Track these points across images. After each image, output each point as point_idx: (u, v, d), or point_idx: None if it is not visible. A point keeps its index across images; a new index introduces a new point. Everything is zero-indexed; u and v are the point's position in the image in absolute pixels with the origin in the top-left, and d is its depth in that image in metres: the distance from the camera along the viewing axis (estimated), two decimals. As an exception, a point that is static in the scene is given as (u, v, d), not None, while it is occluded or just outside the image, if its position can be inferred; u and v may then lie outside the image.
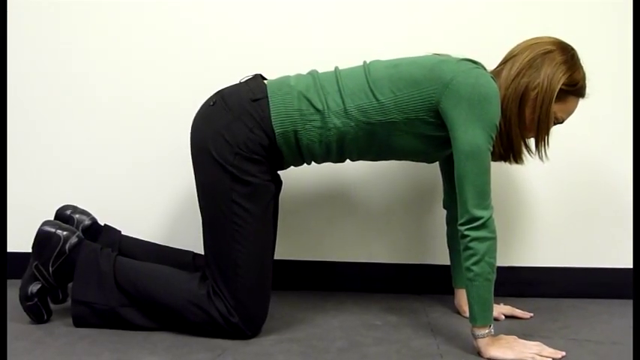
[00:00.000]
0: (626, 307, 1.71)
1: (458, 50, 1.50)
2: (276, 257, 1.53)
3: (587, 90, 1.42)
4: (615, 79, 1.76)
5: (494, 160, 1.42)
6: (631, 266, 1.79)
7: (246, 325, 1.40)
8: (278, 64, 1.71)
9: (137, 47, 1.83)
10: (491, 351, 1.30)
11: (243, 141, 1.36)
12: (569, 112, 1.42)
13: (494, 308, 1.54)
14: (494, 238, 1.30)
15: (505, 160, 1.46)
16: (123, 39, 1.83)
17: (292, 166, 1.49)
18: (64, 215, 1.61)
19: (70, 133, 1.86)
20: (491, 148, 1.31)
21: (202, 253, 1.47)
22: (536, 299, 1.77)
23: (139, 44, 1.83)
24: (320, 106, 1.37)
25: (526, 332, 1.47)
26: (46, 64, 1.84)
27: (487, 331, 1.31)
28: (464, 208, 1.30)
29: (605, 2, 1.75)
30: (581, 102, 1.43)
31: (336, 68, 1.45)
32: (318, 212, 1.84)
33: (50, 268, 1.45)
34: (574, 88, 1.38)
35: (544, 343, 1.34)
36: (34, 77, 1.85)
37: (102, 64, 1.84)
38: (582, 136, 1.78)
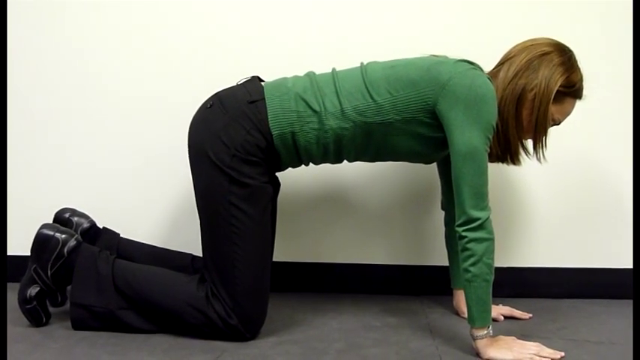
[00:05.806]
0: (624, 307, 1.71)
1: (455, 51, 1.50)
2: (274, 259, 1.53)
3: (585, 91, 1.42)
4: (614, 79, 1.76)
5: (492, 161, 1.42)
6: (629, 266, 1.79)
7: (245, 327, 1.40)
8: (275, 66, 1.71)
9: (135, 50, 1.83)
10: (490, 352, 1.30)
11: (240, 143, 1.36)
12: (566, 114, 1.42)
13: (493, 309, 1.54)
14: (491, 239, 1.30)
15: (502, 162, 1.45)
16: (124, 42, 1.83)
17: (290, 168, 1.50)
18: (63, 218, 1.61)
19: (68, 136, 1.86)
20: (488, 149, 1.31)
21: (201, 255, 1.48)
22: (535, 300, 1.77)
23: (137, 47, 1.83)
24: (317, 108, 1.37)
25: (525, 333, 1.47)
26: (44, 66, 1.85)
27: (486, 332, 1.31)
28: (461, 209, 1.30)
29: (604, 2, 1.75)
30: (582, 101, 1.43)
31: (334, 70, 1.45)
32: (316, 214, 1.85)
33: (49, 271, 1.46)
34: (571, 89, 1.38)
35: (543, 344, 1.34)
36: (32, 83, 1.85)
37: (100, 67, 1.84)
38: (581, 136, 1.78)
